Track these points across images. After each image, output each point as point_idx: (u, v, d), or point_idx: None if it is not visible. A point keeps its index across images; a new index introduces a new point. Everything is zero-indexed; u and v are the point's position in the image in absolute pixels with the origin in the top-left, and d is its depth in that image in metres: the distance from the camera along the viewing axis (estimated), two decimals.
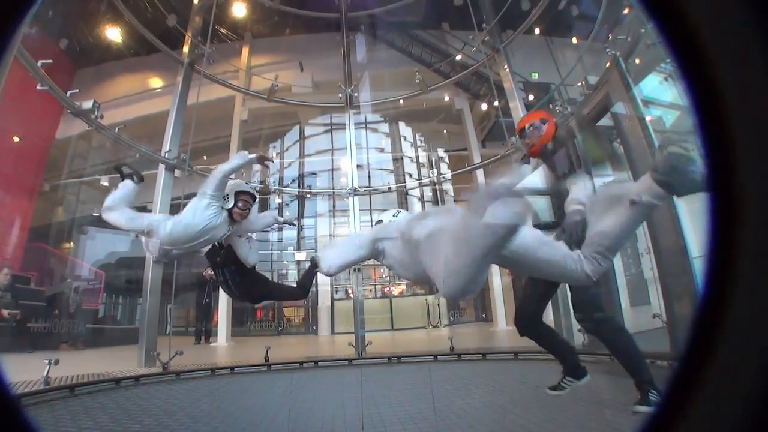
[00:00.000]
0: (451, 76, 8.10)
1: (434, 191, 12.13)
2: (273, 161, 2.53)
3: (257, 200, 2.56)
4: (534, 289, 2.39)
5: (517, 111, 5.57)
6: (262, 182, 7.86)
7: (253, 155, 2.43)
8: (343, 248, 2.05)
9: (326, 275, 2.07)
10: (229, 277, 2.47)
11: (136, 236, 2.79)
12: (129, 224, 2.42)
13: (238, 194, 2.37)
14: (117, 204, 2.42)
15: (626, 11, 4.12)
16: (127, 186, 2.54)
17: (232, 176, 2.44)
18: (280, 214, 11.27)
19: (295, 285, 3.12)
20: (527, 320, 2.40)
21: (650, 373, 2.08)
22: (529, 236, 1.49)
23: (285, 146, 12.72)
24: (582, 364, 2.37)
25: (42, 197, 8.55)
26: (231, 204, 2.34)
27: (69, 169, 9.02)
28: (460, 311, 11.43)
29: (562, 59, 8.11)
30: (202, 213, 2.26)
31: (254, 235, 2.76)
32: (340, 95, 6.40)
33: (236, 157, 2.41)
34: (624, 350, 2.15)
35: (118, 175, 2.56)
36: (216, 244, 2.46)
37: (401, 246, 1.77)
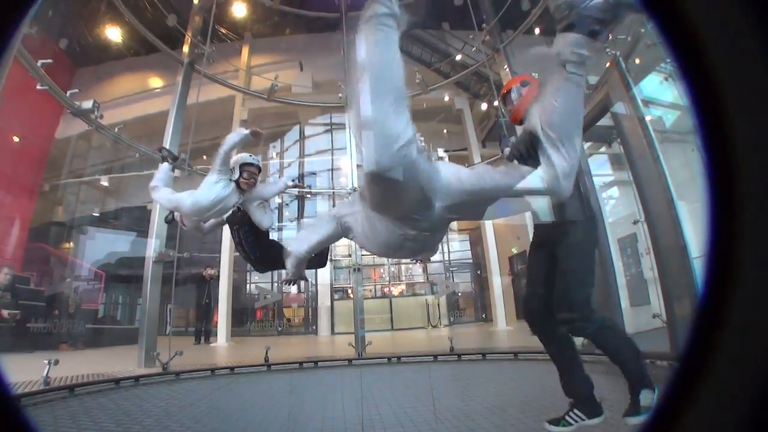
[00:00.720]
0: (451, 76, 8.09)
1: None
2: (263, 133, 2.85)
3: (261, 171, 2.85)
4: (540, 270, 2.17)
5: None
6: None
7: (247, 131, 2.71)
8: (310, 228, 2.06)
9: (298, 258, 2.07)
10: (243, 237, 2.75)
11: (172, 216, 3.15)
12: (166, 203, 2.79)
13: (243, 166, 2.67)
14: (158, 184, 2.78)
15: None
16: (164, 167, 2.93)
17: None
18: (280, 214, 11.29)
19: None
20: (538, 312, 2.13)
21: (647, 375, 1.93)
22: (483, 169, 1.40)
23: (285, 146, 12.71)
24: (599, 402, 2.05)
25: (42, 197, 8.55)
26: (237, 175, 2.65)
27: (69, 169, 9.01)
28: (460, 311, 11.43)
29: None
30: (212, 186, 2.58)
31: (270, 203, 3.07)
32: (340, 95, 6.40)
33: (234, 135, 2.71)
34: (617, 351, 2.00)
35: (159, 156, 2.99)
36: (237, 208, 2.76)
37: (362, 216, 1.66)
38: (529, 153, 1.39)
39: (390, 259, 12.12)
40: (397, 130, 1.17)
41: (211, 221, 2.90)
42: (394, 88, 1.19)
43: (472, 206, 1.48)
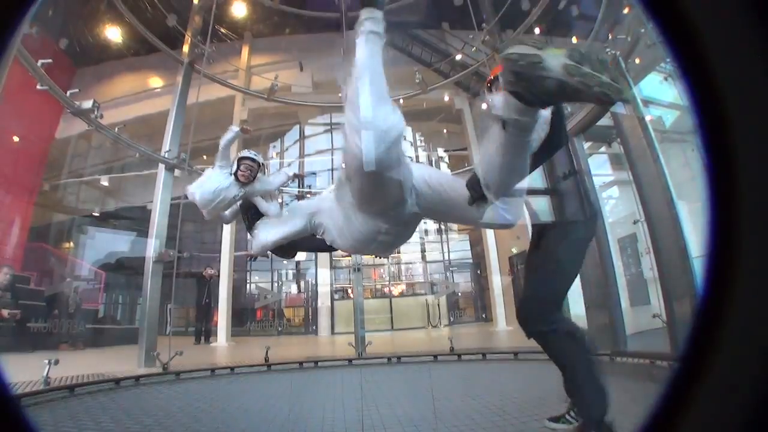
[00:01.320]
0: (451, 75, 8.09)
1: None
2: (251, 130, 3.25)
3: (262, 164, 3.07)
4: (536, 267, 2.06)
5: None
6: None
7: (238, 128, 3.03)
8: (281, 221, 2.22)
9: (264, 246, 2.23)
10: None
11: None
12: (190, 197, 2.98)
13: (240, 159, 2.86)
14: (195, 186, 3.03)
15: (626, 11, 4.11)
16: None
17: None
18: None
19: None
20: (532, 313, 1.95)
21: (602, 408, 1.71)
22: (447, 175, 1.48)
23: (285, 146, 12.71)
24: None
25: (42, 197, 8.55)
26: (235, 168, 2.85)
27: (69, 169, 9.01)
28: (460, 311, 11.43)
29: None
30: (210, 177, 2.84)
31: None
32: (340, 95, 6.40)
33: (228, 133, 3.01)
34: (572, 368, 1.82)
35: None
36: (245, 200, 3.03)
37: (338, 212, 1.71)
38: (475, 190, 1.35)
39: (390, 259, 12.14)
40: (391, 122, 1.33)
41: (231, 209, 3.11)
42: (380, 87, 1.35)
43: (443, 210, 1.55)
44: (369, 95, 1.30)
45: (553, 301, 1.92)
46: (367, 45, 1.35)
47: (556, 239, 2.01)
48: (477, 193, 1.32)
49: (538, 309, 1.92)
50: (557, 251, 1.99)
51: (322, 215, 1.89)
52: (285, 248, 2.93)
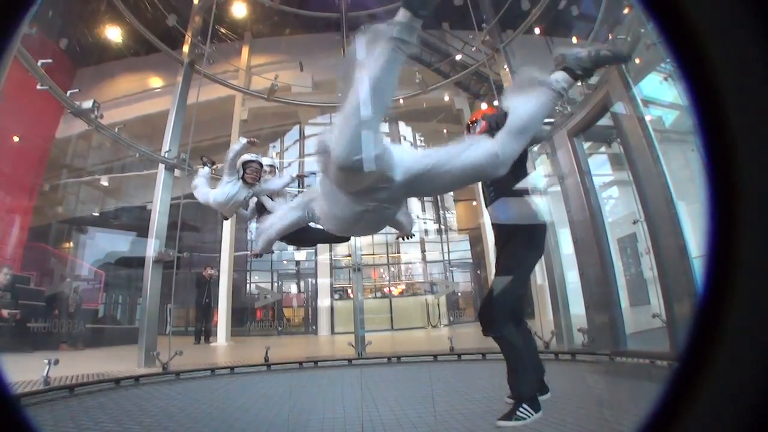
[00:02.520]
0: (451, 76, 8.08)
1: None
2: (257, 141, 3.53)
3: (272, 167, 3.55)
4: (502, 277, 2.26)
5: None
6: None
7: (245, 140, 3.25)
8: (281, 215, 2.52)
9: (266, 250, 2.57)
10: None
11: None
12: (202, 198, 3.31)
13: (245, 164, 3.21)
14: (198, 184, 3.36)
15: (626, 11, 4.11)
16: (204, 171, 3.52)
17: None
18: None
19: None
20: (492, 314, 2.22)
21: (533, 390, 2.07)
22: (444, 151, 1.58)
23: (285, 146, 12.71)
24: (543, 392, 2.22)
25: (42, 197, 8.55)
26: (242, 173, 3.19)
27: (69, 169, 9.01)
28: (460, 311, 11.43)
29: None
30: (224, 186, 3.17)
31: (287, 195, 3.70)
32: (340, 95, 6.40)
33: (235, 145, 3.26)
34: (512, 362, 2.13)
35: (201, 162, 3.65)
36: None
37: (324, 194, 1.80)
38: (498, 126, 1.63)
39: (390, 259, 12.15)
40: (378, 128, 1.42)
41: (250, 207, 3.49)
42: (385, 102, 1.42)
43: (427, 181, 1.61)
44: (371, 109, 1.32)
45: (502, 309, 2.16)
46: (392, 54, 1.27)
47: (511, 251, 2.21)
48: (497, 123, 1.68)
49: (489, 316, 2.17)
50: (510, 262, 2.20)
51: (315, 203, 2.05)
52: (302, 240, 3.36)
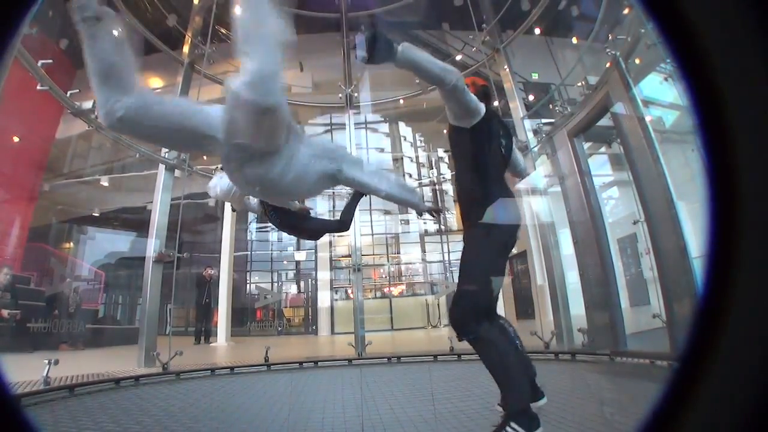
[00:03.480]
0: None
1: (434, 191, 12.14)
2: None
3: None
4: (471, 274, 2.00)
5: (517, 111, 5.57)
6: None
7: None
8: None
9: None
10: (270, 217, 3.27)
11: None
12: (212, 193, 3.31)
13: None
14: (212, 184, 3.39)
15: (626, 11, 4.11)
16: (220, 172, 3.60)
17: None
18: None
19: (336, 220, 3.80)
20: (463, 314, 1.92)
21: (524, 400, 1.80)
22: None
23: None
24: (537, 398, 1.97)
25: (42, 197, 8.54)
26: None
27: (69, 169, 9.01)
28: None
29: (562, 59, 8.10)
30: (223, 176, 3.13)
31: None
32: (340, 95, 6.40)
33: None
34: (493, 366, 1.83)
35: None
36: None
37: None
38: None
39: (390, 259, 12.15)
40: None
41: (257, 202, 3.52)
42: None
43: (247, 130, 1.68)
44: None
45: (474, 306, 1.90)
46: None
47: (471, 247, 2.00)
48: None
49: (460, 317, 1.91)
50: (476, 254, 1.97)
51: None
52: (309, 232, 3.50)
